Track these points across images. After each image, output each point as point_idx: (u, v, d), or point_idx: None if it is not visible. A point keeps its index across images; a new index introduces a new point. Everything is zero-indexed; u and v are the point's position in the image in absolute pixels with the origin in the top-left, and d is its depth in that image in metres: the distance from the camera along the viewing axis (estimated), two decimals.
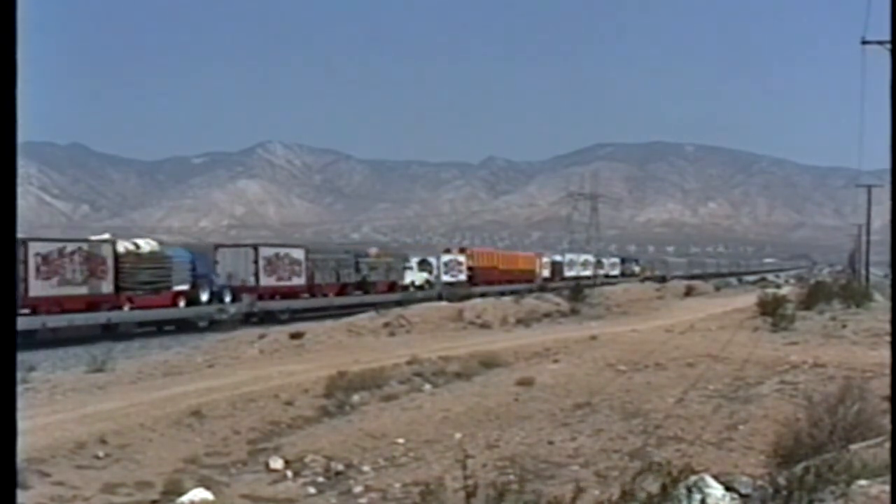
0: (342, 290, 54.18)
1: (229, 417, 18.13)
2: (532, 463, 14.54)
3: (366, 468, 14.88)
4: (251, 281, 46.47)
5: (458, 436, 16.49)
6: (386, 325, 36.46)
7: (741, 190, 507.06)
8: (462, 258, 73.22)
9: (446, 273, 68.00)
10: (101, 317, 37.15)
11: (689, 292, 76.33)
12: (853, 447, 9.88)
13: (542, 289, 66.58)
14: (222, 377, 22.95)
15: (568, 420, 17.92)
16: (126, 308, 38.52)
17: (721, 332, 33.96)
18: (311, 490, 13.93)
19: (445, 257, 71.19)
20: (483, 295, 53.67)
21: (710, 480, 8.11)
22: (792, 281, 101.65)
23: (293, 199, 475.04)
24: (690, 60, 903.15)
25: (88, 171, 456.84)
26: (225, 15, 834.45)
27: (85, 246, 37.73)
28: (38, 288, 34.05)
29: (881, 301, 48.57)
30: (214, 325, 39.32)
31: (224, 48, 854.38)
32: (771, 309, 37.34)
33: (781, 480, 7.84)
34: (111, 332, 36.12)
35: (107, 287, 37.59)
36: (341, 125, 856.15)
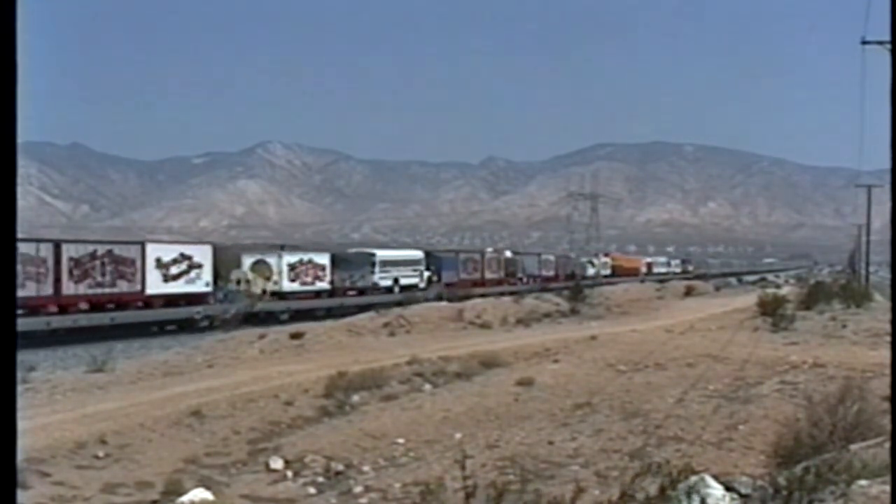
0: (567, 278, 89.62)
1: (229, 417, 18.13)
2: (532, 463, 14.54)
3: (366, 468, 14.88)
4: (536, 272, 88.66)
5: (458, 436, 16.49)
6: (386, 325, 36.42)
7: (741, 190, 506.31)
8: (609, 259, 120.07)
9: (603, 268, 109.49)
10: (497, 291, 64.87)
11: (688, 292, 76.36)
12: (853, 447, 9.86)
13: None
14: (222, 377, 22.95)
15: (568, 420, 17.92)
16: (505, 286, 71.85)
17: (721, 333, 33.96)
18: (311, 490, 13.93)
19: (602, 259, 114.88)
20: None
21: (710, 480, 8.10)
22: (792, 281, 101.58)
23: (293, 199, 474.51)
24: (690, 60, 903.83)
25: (88, 171, 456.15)
26: (225, 15, 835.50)
27: (494, 253, 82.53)
28: (462, 275, 74.07)
29: (881, 301, 48.55)
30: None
31: (224, 48, 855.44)
32: (771, 309, 37.34)
33: (781, 480, 7.84)
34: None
35: (500, 274, 79.35)
36: (341, 125, 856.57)
